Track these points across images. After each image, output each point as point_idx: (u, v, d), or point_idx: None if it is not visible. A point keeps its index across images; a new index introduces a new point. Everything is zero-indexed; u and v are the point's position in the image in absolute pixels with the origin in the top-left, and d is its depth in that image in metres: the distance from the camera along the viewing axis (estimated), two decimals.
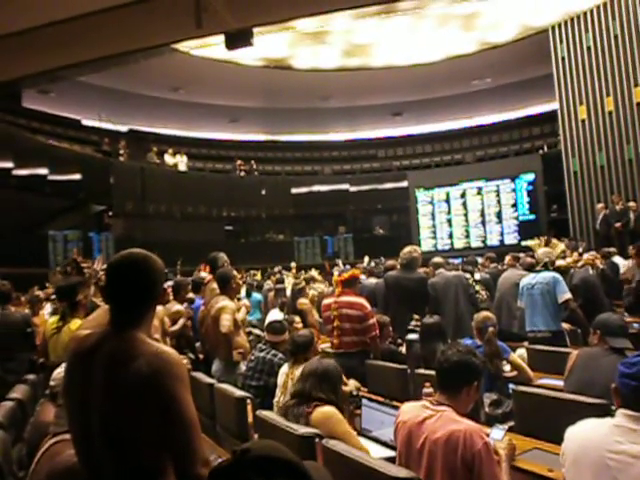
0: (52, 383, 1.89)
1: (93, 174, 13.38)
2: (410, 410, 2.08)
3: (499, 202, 15.48)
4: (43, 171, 11.94)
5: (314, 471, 0.91)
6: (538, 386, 3.38)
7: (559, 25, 13.01)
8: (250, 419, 2.89)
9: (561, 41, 12.96)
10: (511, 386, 3.37)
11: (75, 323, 3.28)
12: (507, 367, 3.80)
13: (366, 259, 9.11)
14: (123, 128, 15.90)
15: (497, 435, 2.12)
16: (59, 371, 1.92)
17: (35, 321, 5.05)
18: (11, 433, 2.60)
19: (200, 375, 3.71)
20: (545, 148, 15.44)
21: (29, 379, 3.73)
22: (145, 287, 1.57)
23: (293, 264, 10.32)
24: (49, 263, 11.76)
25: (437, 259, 5.70)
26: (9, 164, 10.94)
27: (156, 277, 1.59)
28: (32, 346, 4.48)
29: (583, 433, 1.71)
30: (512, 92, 16.39)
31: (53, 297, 5.54)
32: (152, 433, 1.42)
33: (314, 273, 9.54)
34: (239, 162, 16.75)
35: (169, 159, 15.55)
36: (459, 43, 14.67)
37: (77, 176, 12.94)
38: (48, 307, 5.73)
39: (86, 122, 15.35)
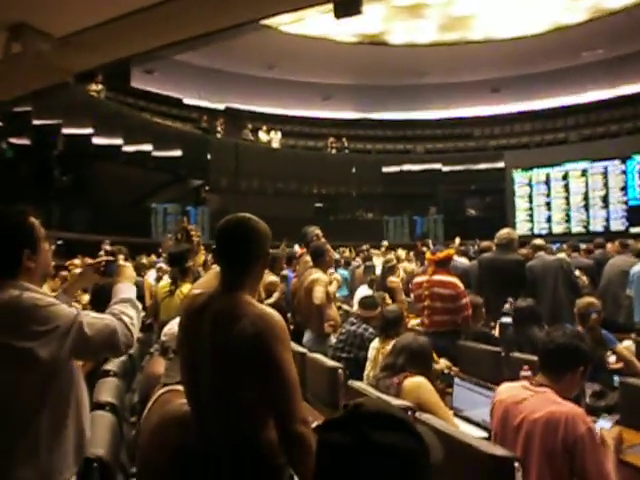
0: (163, 338, 2.02)
1: (192, 150, 14.05)
2: (508, 390, 2.03)
3: (606, 185, 14.30)
4: (148, 147, 12.71)
5: (423, 433, 0.91)
6: None
7: None
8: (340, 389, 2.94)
9: None
10: (616, 378, 3.16)
11: (186, 287, 3.47)
12: (612, 358, 3.57)
13: (457, 240, 8.84)
14: (220, 106, 16.48)
15: (605, 424, 2.00)
16: (169, 327, 2.06)
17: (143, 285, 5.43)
18: (124, 383, 2.84)
19: (293, 344, 3.82)
20: None
21: (138, 337, 4.03)
22: (250, 247, 1.62)
23: (385, 243, 10.21)
24: (151, 234, 12.60)
25: (538, 241, 5.41)
26: (119, 141, 11.75)
27: (260, 237, 1.64)
28: (142, 308, 4.84)
29: None
30: (627, 64, 14.93)
31: (158, 265, 5.93)
32: (255, 391, 1.48)
33: (401, 253, 9.43)
34: (331, 140, 16.81)
35: (263, 136, 15.94)
36: (568, 11, 13.61)
37: (178, 152, 13.65)
38: (153, 273, 6.13)
39: (187, 100, 16.08)
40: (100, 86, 11.64)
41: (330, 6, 2.06)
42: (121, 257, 1.94)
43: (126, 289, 1.79)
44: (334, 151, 16.80)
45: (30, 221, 1.63)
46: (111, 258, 1.93)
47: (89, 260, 2.00)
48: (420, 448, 0.86)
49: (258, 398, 1.49)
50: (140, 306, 1.81)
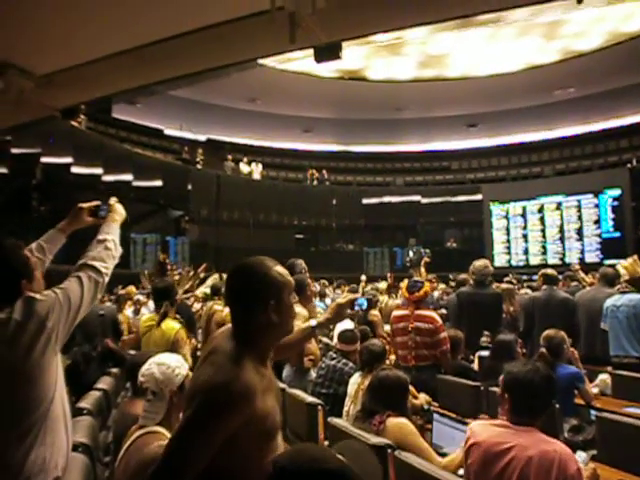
0: (141, 379, 1.96)
1: (173, 181, 14.03)
2: (484, 430, 1.95)
3: (580, 218, 14.71)
4: (128, 177, 12.65)
5: (358, 463, 0.92)
6: (625, 414, 3.17)
7: None
8: (320, 426, 2.91)
9: None
10: (593, 412, 3.19)
11: (166, 323, 3.40)
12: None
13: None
14: (202, 137, 16.58)
15: (580, 461, 2.01)
16: (146, 367, 1.99)
17: (120, 318, 5.35)
18: (98, 421, 2.77)
19: None
20: (634, 162, 14.50)
21: (112, 372, 3.94)
22: (240, 294, 1.50)
23: (363, 277, 10.16)
24: (130, 264, 12.43)
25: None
26: (99, 170, 11.69)
27: (251, 284, 1.49)
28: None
29: None
30: (598, 102, 15.55)
31: (136, 297, 5.86)
32: None
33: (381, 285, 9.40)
34: (311, 171, 16.98)
35: (244, 167, 16.02)
36: (541, 52, 14.18)
37: (158, 182, 13.61)
38: (131, 306, 6.04)
39: (168, 132, 16.16)
40: (82, 117, 11.61)
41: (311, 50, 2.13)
42: (113, 199, 2.09)
43: (110, 227, 1.93)
44: (315, 183, 16.96)
45: (25, 253, 1.74)
46: (99, 203, 2.10)
47: (82, 204, 2.12)
48: None
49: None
50: (114, 239, 1.90)
